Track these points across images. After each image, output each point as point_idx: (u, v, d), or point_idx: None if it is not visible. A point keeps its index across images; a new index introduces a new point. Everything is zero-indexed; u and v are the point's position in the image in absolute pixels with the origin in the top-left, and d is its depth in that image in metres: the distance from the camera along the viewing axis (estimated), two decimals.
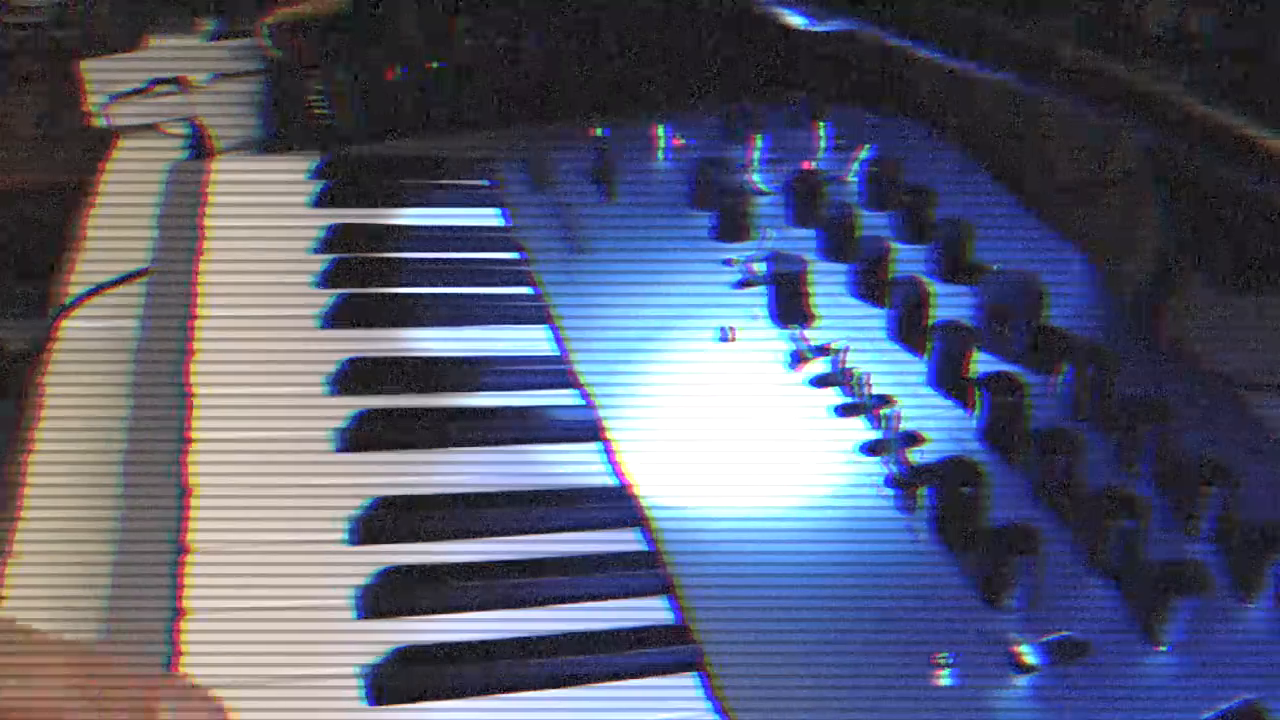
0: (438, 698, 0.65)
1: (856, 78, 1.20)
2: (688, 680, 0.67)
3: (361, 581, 0.70)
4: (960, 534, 0.73)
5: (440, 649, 0.67)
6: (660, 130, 1.10)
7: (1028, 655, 0.67)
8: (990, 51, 0.90)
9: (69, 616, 0.67)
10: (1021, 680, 0.66)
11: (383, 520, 0.73)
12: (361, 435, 0.79)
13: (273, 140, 1.18)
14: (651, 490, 0.77)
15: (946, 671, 0.66)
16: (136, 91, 1.33)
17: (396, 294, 0.93)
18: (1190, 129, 0.82)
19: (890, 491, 0.77)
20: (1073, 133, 1.05)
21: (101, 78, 1.35)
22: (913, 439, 0.80)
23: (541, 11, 1.23)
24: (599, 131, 1.08)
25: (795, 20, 0.96)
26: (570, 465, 0.79)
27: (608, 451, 0.80)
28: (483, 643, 0.68)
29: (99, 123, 1.30)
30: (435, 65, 1.18)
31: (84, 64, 1.37)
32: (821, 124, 1.11)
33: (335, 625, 0.68)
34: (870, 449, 0.79)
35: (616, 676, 0.67)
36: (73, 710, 0.54)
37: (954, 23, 0.90)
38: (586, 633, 0.69)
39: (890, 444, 0.79)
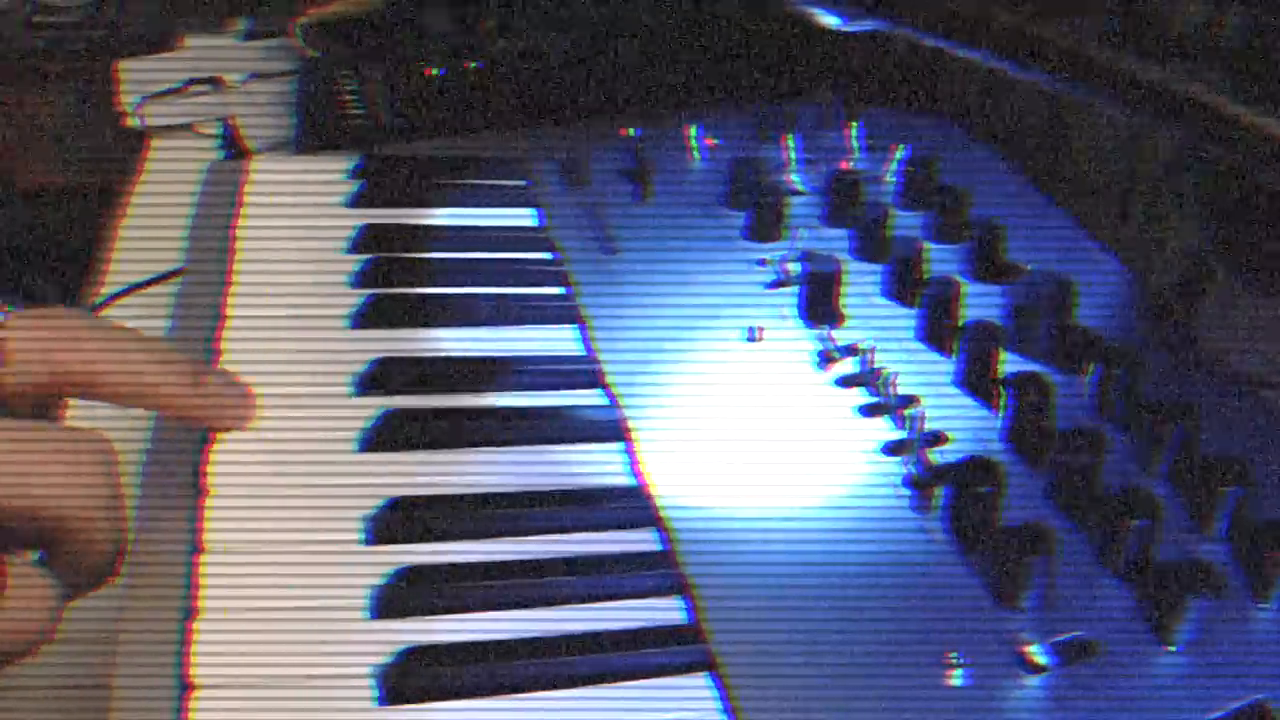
0: (451, 697, 0.65)
1: (889, 78, 1.20)
2: (701, 680, 0.66)
3: (378, 581, 0.70)
4: (975, 534, 0.73)
5: (454, 649, 0.67)
6: (692, 130, 1.10)
7: (1038, 655, 0.66)
8: (1023, 52, 0.90)
9: (82, 611, 0.68)
10: (1032, 680, 0.66)
11: (400, 520, 0.73)
12: (384, 435, 0.79)
13: (307, 140, 1.18)
14: (672, 490, 0.77)
15: (958, 671, 0.66)
16: (171, 91, 1.34)
17: (427, 294, 0.93)
18: (1221, 129, 0.81)
19: (907, 492, 0.76)
20: (1105, 133, 1.05)
21: (136, 78, 1.36)
22: (935, 439, 0.79)
23: (574, 11, 1.23)
24: (631, 132, 1.08)
25: (828, 20, 0.96)
26: (592, 465, 0.79)
27: (630, 451, 0.80)
28: (496, 642, 0.67)
29: (133, 123, 1.31)
30: (470, 65, 1.18)
31: (119, 64, 1.38)
32: (854, 124, 1.10)
33: (346, 626, 0.68)
34: (892, 449, 0.79)
35: (630, 676, 0.67)
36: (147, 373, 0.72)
37: (987, 23, 0.90)
38: (600, 632, 0.69)
39: (912, 444, 0.79)
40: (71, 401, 0.72)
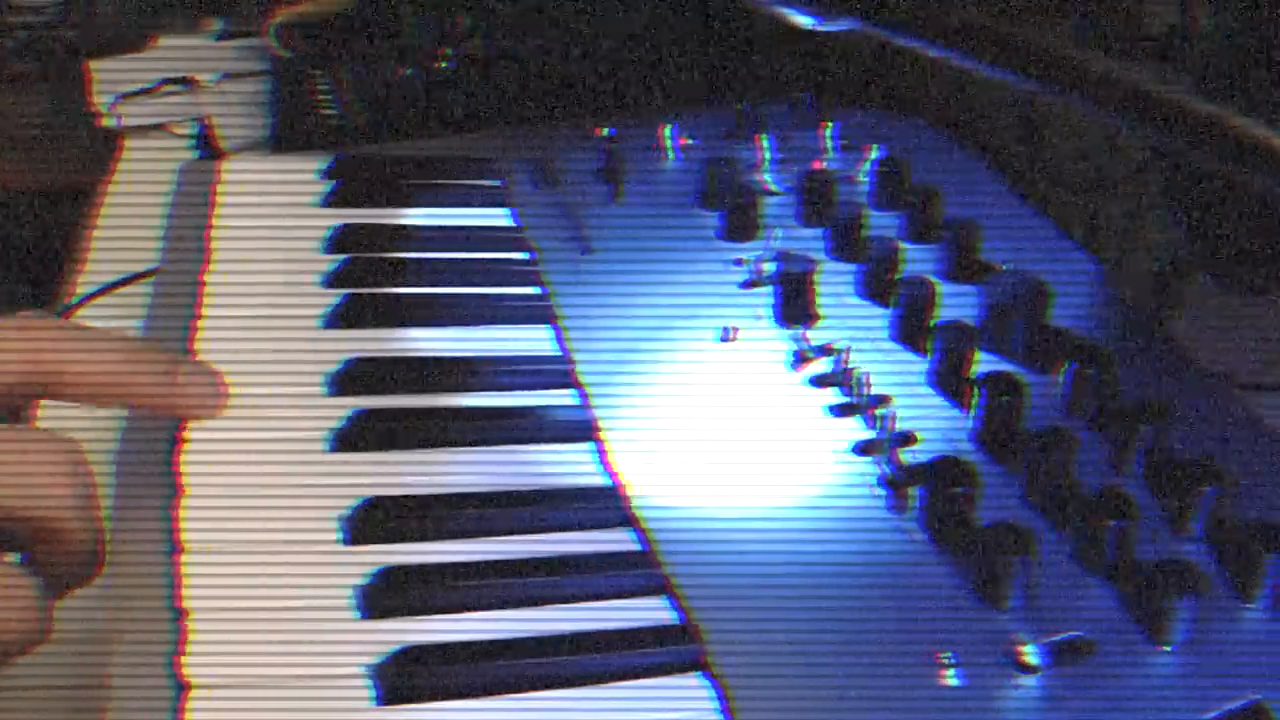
0: (448, 697, 0.65)
1: (863, 78, 1.20)
2: (691, 680, 0.67)
3: (359, 581, 0.70)
4: (951, 534, 0.73)
5: (448, 649, 0.67)
6: (666, 130, 1.10)
7: (1030, 656, 0.67)
8: (996, 52, 0.90)
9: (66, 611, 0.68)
10: (1025, 680, 0.66)
11: (378, 520, 0.73)
12: (358, 435, 0.79)
13: (281, 140, 1.18)
14: (647, 490, 0.77)
15: (951, 672, 0.66)
16: (144, 91, 1.33)
17: (401, 294, 0.93)
18: (1194, 130, 0.82)
19: (882, 491, 0.77)
20: (1078, 133, 1.05)
21: (109, 77, 1.36)
22: (906, 439, 0.80)
23: (547, 11, 1.23)
24: (605, 131, 1.08)
25: (802, 20, 0.96)
26: (567, 465, 0.79)
27: (604, 451, 0.80)
28: (482, 642, 0.68)
29: (107, 123, 1.31)
30: (443, 65, 1.18)
31: (91, 64, 1.38)
32: (829, 124, 1.11)
33: (332, 626, 0.68)
34: (863, 449, 0.79)
35: (618, 676, 0.67)
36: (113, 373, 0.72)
37: (960, 23, 0.90)
38: (588, 632, 0.69)
39: (883, 444, 0.79)
40: (41, 403, 0.73)
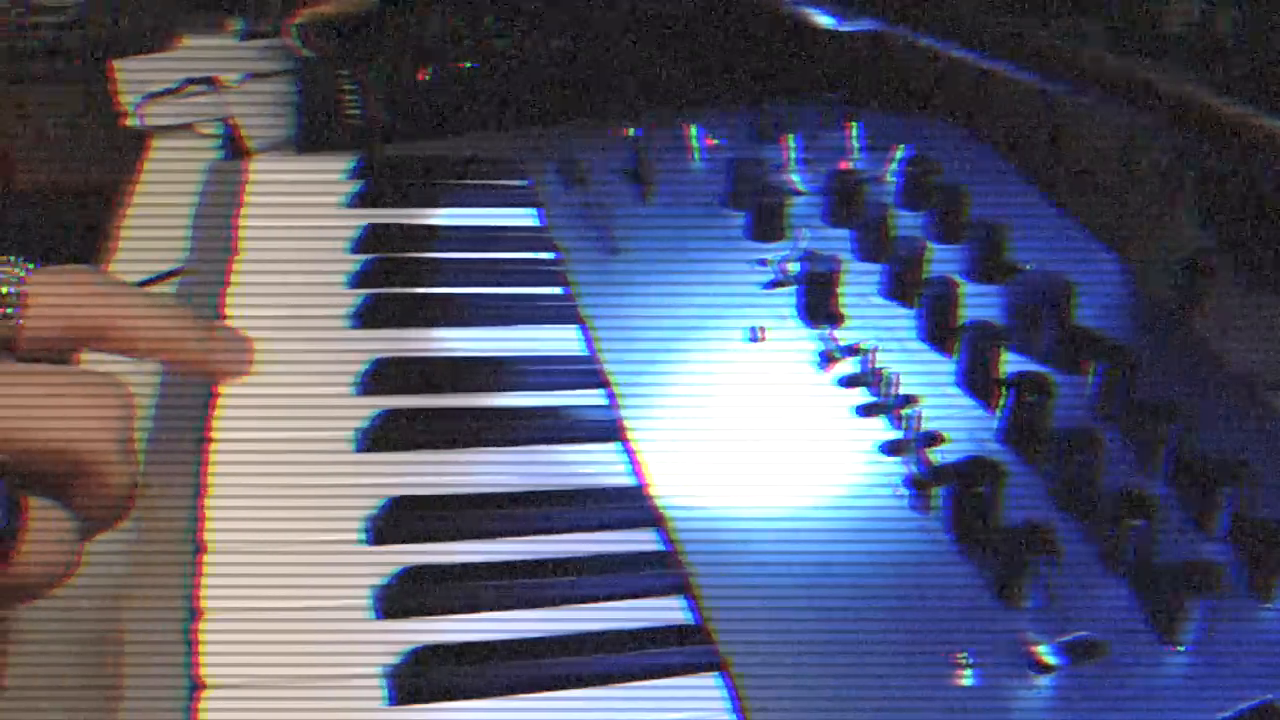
0: (461, 697, 0.65)
1: (887, 78, 1.20)
2: (709, 680, 0.67)
3: (380, 581, 0.70)
4: (976, 534, 0.73)
5: (462, 649, 0.67)
6: (692, 130, 1.10)
7: (1046, 655, 0.67)
8: (1020, 52, 0.90)
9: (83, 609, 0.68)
10: (1041, 680, 0.66)
11: (401, 520, 0.74)
12: (383, 435, 0.79)
13: (306, 140, 1.18)
14: (673, 490, 0.77)
15: (967, 672, 0.66)
16: (169, 92, 1.33)
17: (428, 294, 0.93)
18: (1217, 128, 0.81)
19: (906, 491, 0.76)
20: (1102, 133, 1.05)
21: (134, 78, 1.36)
22: (932, 439, 0.80)
23: (573, 10, 1.23)
24: (631, 132, 1.08)
25: (823, 20, 0.96)
26: (593, 465, 0.79)
27: (630, 451, 0.80)
28: (504, 642, 0.68)
29: (132, 123, 1.31)
30: (466, 65, 1.18)
31: (116, 64, 1.38)
32: (854, 125, 1.10)
33: (354, 625, 0.68)
34: (890, 449, 0.79)
35: (636, 676, 0.67)
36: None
37: (984, 23, 0.90)
38: (606, 632, 0.69)
39: (909, 444, 0.79)
40: (84, 356, 0.76)
